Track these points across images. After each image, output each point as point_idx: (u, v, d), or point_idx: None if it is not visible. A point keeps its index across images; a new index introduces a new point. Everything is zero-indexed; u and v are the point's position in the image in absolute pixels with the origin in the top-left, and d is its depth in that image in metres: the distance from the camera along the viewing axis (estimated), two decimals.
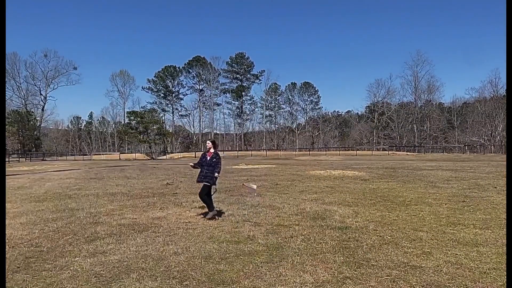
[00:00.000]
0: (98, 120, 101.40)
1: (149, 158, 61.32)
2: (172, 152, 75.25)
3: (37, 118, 73.84)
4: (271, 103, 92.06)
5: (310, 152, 61.09)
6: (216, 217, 6.84)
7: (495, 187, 10.81)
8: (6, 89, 65.67)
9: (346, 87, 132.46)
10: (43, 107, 75.54)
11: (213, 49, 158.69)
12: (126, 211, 7.99)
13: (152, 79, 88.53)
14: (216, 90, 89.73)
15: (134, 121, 72.84)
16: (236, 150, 70.34)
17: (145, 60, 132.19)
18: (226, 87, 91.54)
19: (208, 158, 6.97)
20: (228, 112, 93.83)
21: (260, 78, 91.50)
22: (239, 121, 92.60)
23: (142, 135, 72.70)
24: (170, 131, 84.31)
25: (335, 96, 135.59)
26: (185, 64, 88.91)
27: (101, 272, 4.09)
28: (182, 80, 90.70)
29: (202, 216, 7.00)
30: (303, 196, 9.79)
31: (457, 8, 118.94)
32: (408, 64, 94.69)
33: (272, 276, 3.87)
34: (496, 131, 64.37)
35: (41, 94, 74.82)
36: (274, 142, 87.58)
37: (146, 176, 17.90)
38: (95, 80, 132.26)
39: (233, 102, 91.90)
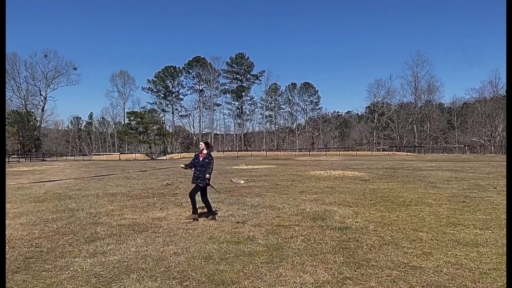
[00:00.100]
0: (98, 120, 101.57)
1: (149, 158, 61.31)
2: (172, 153, 75.25)
3: (37, 119, 73.83)
4: (271, 103, 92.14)
5: (310, 153, 61.07)
6: (208, 218, 6.81)
7: (495, 188, 10.81)
8: (6, 89, 65.76)
9: (346, 87, 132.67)
10: (43, 107, 75.62)
11: (213, 49, 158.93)
12: (126, 211, 7.99)
13: (152, 79, 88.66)
14: (216, 91, 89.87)
15: (134, 122, 72.87)
16: (236, 151, 70.33)
17: (145, 60, 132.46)
18: (226, 87, 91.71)
19: (201, 159, 6.96)
20: (228, 113, 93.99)
21: (260, 78, 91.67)
22: (239, 121, 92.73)
23: (142, 136, 72.73)
24: (170, 131, 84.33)
25: (335, 96, 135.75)
26: (185, 64, 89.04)
27: (101, 272, 4.09)
28: (182, 81, 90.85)
29: (204, 218, 6.99)
30: (303, 196, 9.79)
31: (457, 8, 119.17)
32: (408, 64, 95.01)
33: (272, 277, 3.87)
34: (496, 132, 64.35)
35: (41, 95, 74.90)
36: (274, 143, 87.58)
37: (146, 176, 17.90)
38: (95, 80, 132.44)
39: (233, 102, 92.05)
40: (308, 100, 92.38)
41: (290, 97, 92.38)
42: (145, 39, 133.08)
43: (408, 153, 55.73)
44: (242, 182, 7.11)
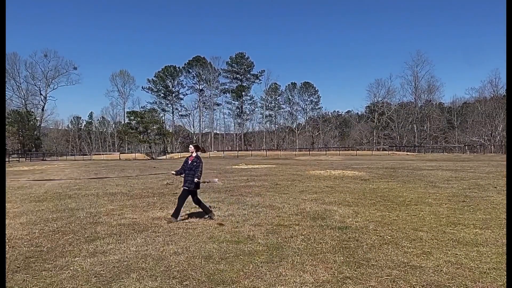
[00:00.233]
0: (98, 120, 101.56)
1: (149, 158, 61.32)
2: (172, 152, 75.24)
3: (37, 118, 73.81)
4: (271, 103, 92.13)
5: (310, 152, 61.07)
6: (206, 217, 6.80)
7: (495, 187, 10.81)
8: (6, 89, 65.74)
9: (346, 87, 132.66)
10: (43, 107, 75.59)
11: (213, 49, 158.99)
12: (126, 211, 7.99)
13: (152, 79, 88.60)
14: (216, 90, 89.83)
15: (134, 121, 72.86)
16: (236, 150, 70.33)
17: (145, 60, 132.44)
18: (226, 87, 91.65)
19: (189, 162, 6.93)
20: (228, 112, 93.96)
21: (260, 78, 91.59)
22: (239, 121, 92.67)
23: (142, 135, 72.73)
24: (170, 131, 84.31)
25: (335, 96, 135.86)
26: (185, 64, 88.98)
27: (101, 272, 4.09)
28: (182, 80, 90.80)
29: (204, 218, 6.98)
30: (303, 196, 9.79)
31: (457, 8, 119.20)
32: (408, 64, 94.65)
33: (272, 276, 3.87)
34: (496, 131, 64.35)
35: (41, 94, 74.88)
36: (274, 142, 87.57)
37: (146, 176, 17.90)
38: (95, 80, 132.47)
39: (233, 102, 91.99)
40: (308, 99, 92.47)
41: (290, 96, 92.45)
42: (145, 39, 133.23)
43: (408, 153, 55.74)
44: (216, 180, 7.09)
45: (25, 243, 5.39)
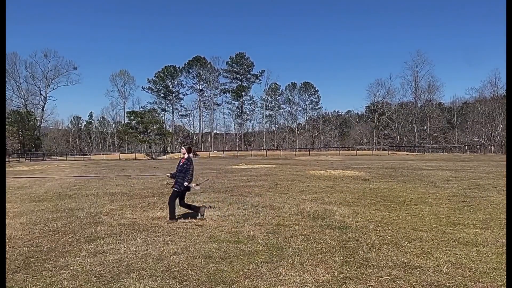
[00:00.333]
0: (98, 120, 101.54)
1: (149, 158, 61.31)
2: (172, 152, 75.22)
3: (37, 118, 73.78)
4: (271, 103, 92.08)
5: (310, 152, 61.07)
6: (197, 218, 6.81)
7: (495, 187, 10.81)
8: (6, 89, 65.70)
9: (346, 87, 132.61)
10: (43, 107, 75.55)
11: (213, 49, 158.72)
12: (126, 211, 7.99)
13: (152, 79, 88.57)
14: (216, 90, 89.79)
15: (134, 121, 72.83)
16: (236, 150, 70.33)
17: (145, 60, 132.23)
18: (226, 87, 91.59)
19: (181, 164, 6.95)
20: (228, 112, 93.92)
21: (260, 78, 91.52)
22: (239, 121, 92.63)
23: (142, 135, 72.71)
24: (170, 131, 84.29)
25: (335, 96, 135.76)
26: (185, 64, 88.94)
27: (101, 272, 4.09)
28: (182, 80, 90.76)
29: (198, 219, 6.98)
30: (303, 196, 9.79)
31: (457, 8, 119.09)
32: (408, 64, 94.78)
33: (272, 276, 3.87)
34: (496, 131, 64.33)
35: (41, 94, 74.83)
36: (274, 142, 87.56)
37: (146, 176, 17.90)
38: (95, 80, 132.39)
39: (233, 102, 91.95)
40: (308, 99, 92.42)
41: (290, 96, 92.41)
42: (145, 39, 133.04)
43: (408, 153, 55.74)
44: (193, 185, 7.08)
45: (25, 243, 5.39)
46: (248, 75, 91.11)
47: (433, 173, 16.48)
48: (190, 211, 7.13)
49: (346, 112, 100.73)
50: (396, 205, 8.15)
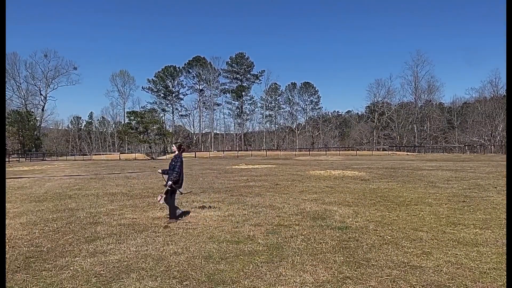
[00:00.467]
0: (98, 120, 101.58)
1: (149, 158, 61.30)
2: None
3: (37, 118, 73.79)
4: (271, 103, 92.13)
5: (310, 152, 61.06)
6: (169, 219, 6.78)
7: (495, 187, 10.81)
8: (6, 89, 65.71)
9: (346, 87, 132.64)
10: (43, 107, 75.60)
11: (213, 49, 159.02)
12: (126, 211, 7.99)
13: (152, 79, 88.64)
14: (216, 90, 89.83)
15: (134, 121, 72.80)
16: (236, 150, 70.31)
17: (145, 60, 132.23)
18: (226, 87, 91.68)
19: (171, 162, 6.97)
20: (228, 112, 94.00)
21: (260, 78, 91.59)
22: (239, 121, 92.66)
23: (142, 135, 72.67)
24: (170, 131, 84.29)
25: (335, 96, 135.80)
26: (185, 64, 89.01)
27: (101, 272, 4.09)
28: (182, 80, 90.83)
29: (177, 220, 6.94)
30: (303, 196, 9.79)
31: (457, 8, 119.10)
32: (408, 64, 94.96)
33: (272, 276, 3.87)
34: (496, 131, 64.34)
35: (41, 94, 74.87)
36: (274, 142, 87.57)
37: (146, 176, 17.90)
38: (95, 80, 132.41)
39: (233, 102, 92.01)
40: (308, 99, 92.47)
41: (290, 96, 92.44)
42: (145, 39, 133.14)
43: (408, 153, 55.73)
44: (158, 198, 7.07)
45: (25, 243, 5.39)
46: (248, 75, 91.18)
47: (433, 173, 16.48)
48: (181, 211, 7.09)
49: (346, 112, 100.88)
50: (396, 205, 8.15)
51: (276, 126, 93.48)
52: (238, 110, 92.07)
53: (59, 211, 8.05)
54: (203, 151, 72.91)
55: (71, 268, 4.21)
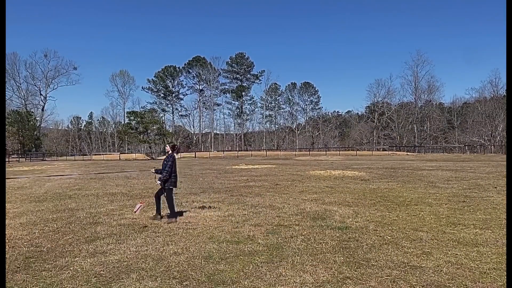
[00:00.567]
0: (98, 120, 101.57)
1: (149, 158, 61.29)
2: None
3: (37, 118, 73.74)
4: (271, 103, 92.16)
5: (310, 152, 61.06)
6: (153, 216, 6.91)
7: (495, 187, 10.81)
8: (6, 89, 65.71)
9: (346, 87, 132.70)
10: (43, 107, 75.56)
11: (213, 49, 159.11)
12: (126, 211, 7.99)
13: (152, 79, 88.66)
14: (216, 90, 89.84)
15: (134, 121, 72.75)
16: (236, 150, 70.32)
17: (145, 60, 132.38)
18: (226, 87, 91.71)
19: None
20: (228, 112, 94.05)
21: (260, 78, 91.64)
22: (239, 121, 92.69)
23: (142, 135, 72.62)
24: (170, 131, 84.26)
25: (335, 96, 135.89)
26: (185, 64, 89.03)
27: (101, 272, 4.09)
28: (182, 80, 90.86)
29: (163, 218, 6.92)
30: (303, 196, 9.79)
31: (457, 8, 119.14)
32: (408, 64, 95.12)
33: (272, 276, 3.87)
34: (496, 131, 64.34)
35: (41, 94, 74.82)
36: (274, 142, 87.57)
37: (146, 176, 17.89)
38: (95, 80, 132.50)
39: (233, 102, 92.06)
40: (308, 100, 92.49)
41: (290, 97, 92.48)
42: (145, 39, 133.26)
43: (408, 153, 55.72)
44: (137, 210, 7.11)
45: (25, 243, 5.39)
46: (248, 75, 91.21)
47: (433, 173, 16.48)
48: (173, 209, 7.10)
49: (346, 112, 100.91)
50: (396, 205, 8.15)
51: (276, 126, 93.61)
52: (238, 110, 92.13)
53: (59, 211, 8.04)
54: (203, 151, 72.92)
55: (71, 268, 4.21)
